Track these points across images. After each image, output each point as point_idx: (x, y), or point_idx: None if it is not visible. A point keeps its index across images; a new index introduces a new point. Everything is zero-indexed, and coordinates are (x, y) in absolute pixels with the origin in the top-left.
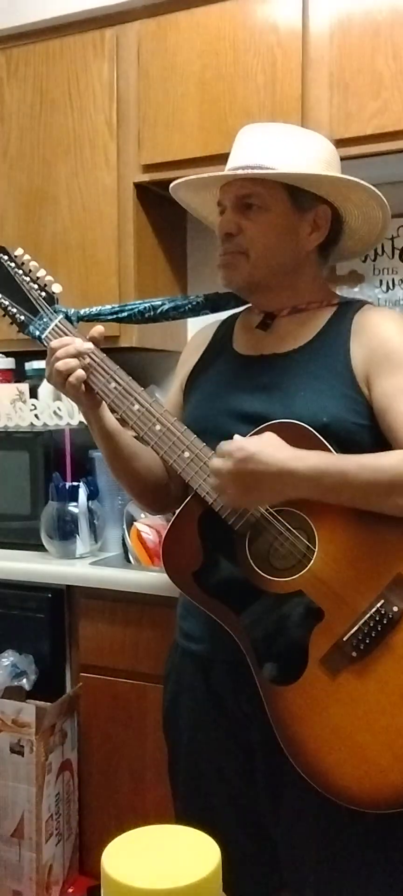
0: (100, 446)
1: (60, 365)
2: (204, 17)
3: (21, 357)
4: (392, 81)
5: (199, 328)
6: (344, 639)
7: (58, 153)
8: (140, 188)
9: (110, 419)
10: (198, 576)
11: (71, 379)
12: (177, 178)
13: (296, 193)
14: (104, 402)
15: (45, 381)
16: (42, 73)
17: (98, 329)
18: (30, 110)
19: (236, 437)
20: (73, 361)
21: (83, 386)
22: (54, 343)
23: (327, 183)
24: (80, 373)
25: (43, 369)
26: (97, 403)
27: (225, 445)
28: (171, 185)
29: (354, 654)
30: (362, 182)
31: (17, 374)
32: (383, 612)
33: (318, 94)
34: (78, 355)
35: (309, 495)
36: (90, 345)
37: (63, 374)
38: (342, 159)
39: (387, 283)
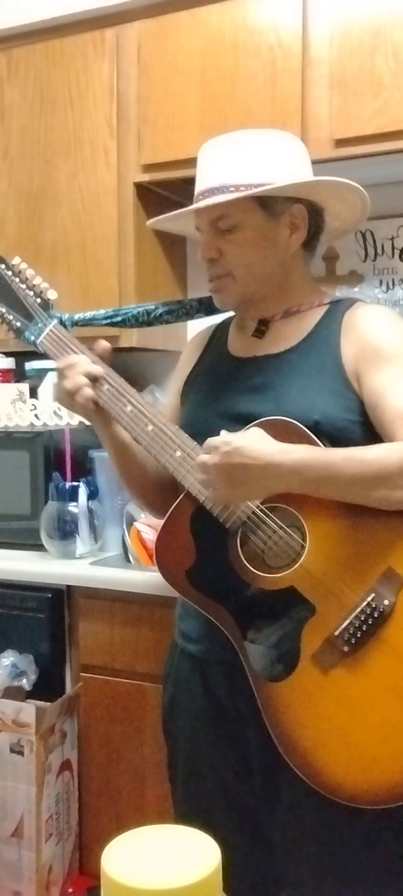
0: (112, 460)
1: (68, 383)
2: (204, 16)
3: (21, 357)
4: (392, 81)
5: (198, 329)
6: (336, 633)
7: (58, 153)
8: (140, 188)
9: (121, 433)
10: (190, 573)
11: (78, 398)
12: (177, 177)
13: (266, 202)
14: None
15: (44, 381)
16: (42, 73)
17: (104, 346)
18: (30, 110)
19: (222, 432)
20: (81, 379)
21: (91, 403)
22: (61, 362)
23: (290, 189)
24: (88, 391)
25: (43, 369)
26: (108, 419)
27: (211, 441)
28: (148, 223)
29: (346, 648)
30: (322, 179)
31: (17, 374)
32: (374, 605)
33: (318, 94)
34: (87, 375)
35: (296, 488)
36: (100, 369)
37: (71, 393)
38: (342, 159)
39: (387, 283)
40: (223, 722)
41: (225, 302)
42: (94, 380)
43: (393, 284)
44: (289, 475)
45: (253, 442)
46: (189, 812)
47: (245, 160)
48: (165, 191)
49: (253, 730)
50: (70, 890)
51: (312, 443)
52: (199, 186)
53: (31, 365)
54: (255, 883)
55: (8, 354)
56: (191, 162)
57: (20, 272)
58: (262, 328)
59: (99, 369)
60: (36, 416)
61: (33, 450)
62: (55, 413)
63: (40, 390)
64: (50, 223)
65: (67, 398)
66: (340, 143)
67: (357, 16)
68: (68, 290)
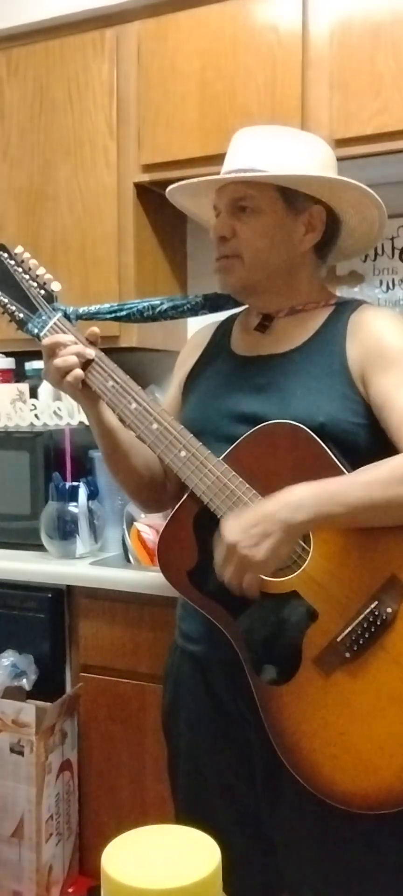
0: (99, 443)
1: (58, 362)
2: (204, 17)
3: (21, 357)
4: (392, 81)
5: (199, 328)
6: (338, 639)
7: (58, 153)
8: (140, 188)
9: (109, 416)
10: (192, 575)
11: (68, 378)
12: (177, 178)
13: (289, 195)
14: (102, 399)
15: (44, 380)
16: (42, 73)
17: (93, 331)
18: (30, 110)
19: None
20: (72, 359)
21: (80, 384)
22: (48, 340)
23: (317, 183)
24: (78, 372)
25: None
26: (95, 400)
27: (220, 544)
28: (167, 189)
29: (347, 654)
30: (353, 182)
31: (17, 374)
32: (376, 613)
33: (318, 94)
34: (78, 356)
35: (317, 518)
36: (92, 351)
37: (61, 372)
38: (342, 159)
39: (387, 283)
40: (224, 722)
41: (228, 283)
42: (87, 363)
43: (393, 284)
44: (304, 504)
45: (253, 508)
46: (189, 812)
47: (276, 151)
48: (165, 191)
49: (254, 730)
50: (70, 890)
51: (318, 447)
52: (228, 166)
53: (31, 365)
54: (255, 883)
55: (8, 354)
56: (190, 162)
57: (23, 261)
58: (266, 323)
59: (91, 352)
60: (36, 416)
61: (33, 450)
62: (55, 413)
63: (40, 390)
64: (49, 223)
65: (56, 375)
66: (340, 143)
67: (357, 16)
68: (68, 290)
